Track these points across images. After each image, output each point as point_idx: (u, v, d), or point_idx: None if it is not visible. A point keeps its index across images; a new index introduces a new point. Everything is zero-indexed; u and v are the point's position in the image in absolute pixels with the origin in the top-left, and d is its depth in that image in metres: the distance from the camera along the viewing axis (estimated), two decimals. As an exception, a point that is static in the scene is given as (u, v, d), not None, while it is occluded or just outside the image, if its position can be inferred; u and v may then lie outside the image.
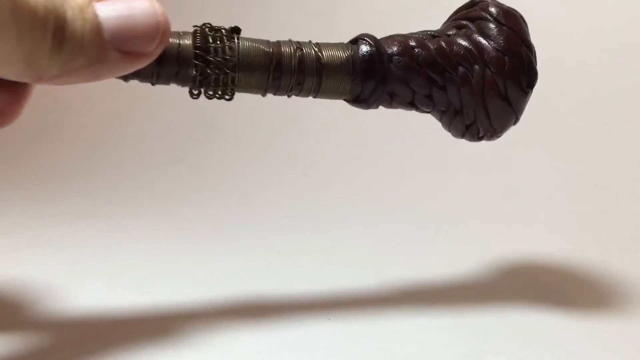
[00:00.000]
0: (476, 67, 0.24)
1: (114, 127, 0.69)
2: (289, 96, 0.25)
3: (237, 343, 0.23)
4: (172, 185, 0.56)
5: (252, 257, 0.35)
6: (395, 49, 0.24)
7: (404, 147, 0.56)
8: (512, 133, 0.55)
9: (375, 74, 0.24)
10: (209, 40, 0.23)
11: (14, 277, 0.33)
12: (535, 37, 0.59)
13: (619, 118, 0.51)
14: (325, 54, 0.24)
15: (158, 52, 0.21)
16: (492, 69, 0.24)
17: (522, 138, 0.53)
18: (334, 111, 0.63)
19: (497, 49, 0.24)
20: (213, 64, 0.23)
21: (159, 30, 0.21)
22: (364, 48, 0.24)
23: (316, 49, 0.24)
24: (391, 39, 0.25)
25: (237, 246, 0.35)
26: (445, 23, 0.27)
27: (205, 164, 0.60)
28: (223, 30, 0.23)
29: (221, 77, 0.23)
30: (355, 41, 0.25)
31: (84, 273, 0.33)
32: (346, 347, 0.23)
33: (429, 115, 0.27)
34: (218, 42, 0.23)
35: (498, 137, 0.27)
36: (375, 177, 0.53)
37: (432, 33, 0.25)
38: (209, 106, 0.74)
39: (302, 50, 0.24)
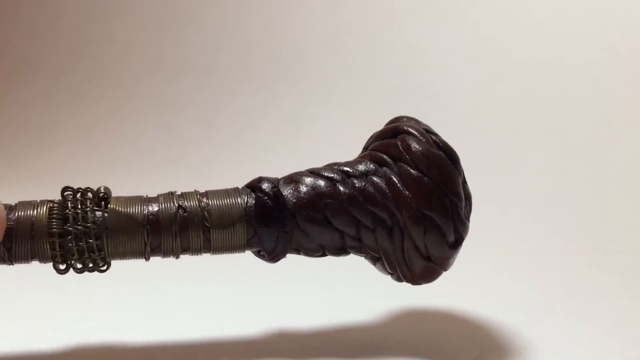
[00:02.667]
0: (396, 217, 0.21)
1: (114, 127, 0.69)
2: (177, 257, 0.21)
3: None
4: (172, 185, 0.56)
5: (252, 257, 0.35)
6: (298, 199, 0.21)
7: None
8: (512, 133, 0.55)
9: (274, 228, 0.21)
10: (67, 206, 0.20)
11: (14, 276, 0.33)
12: (536, 36, 0.59)
13: (621, 118, 0.51)
14: (213, 207, 0.21)
15: None
16: (409, 227, 0.20)
17: (522, 138, 0.53)
18: (334, 111, 0.63)
19: (416, 207, 0.20)
20: (72, 235, 0.20)
21: None
22: (263, 186, 0.21)
23: (199, 202, 0.21)
24: (295, 182, 0.22)
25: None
26: (364, 149, 0.23)
27: (205, 164, 0.60)
28: (89, 194, 0.21)
29: (85, 247, 0.20)
30: (252, 187, 0.22)
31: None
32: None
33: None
34: (79, 209, 0.20)
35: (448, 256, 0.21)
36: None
37: (346, 170, 0.22)
38: (209, 106, 0.74)
39: (184, 206, 0.21)
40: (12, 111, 0.76)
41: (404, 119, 0.23)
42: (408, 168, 0.21)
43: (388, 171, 0.21)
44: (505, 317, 0.25)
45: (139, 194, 0.22)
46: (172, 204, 0.21)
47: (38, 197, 0.21)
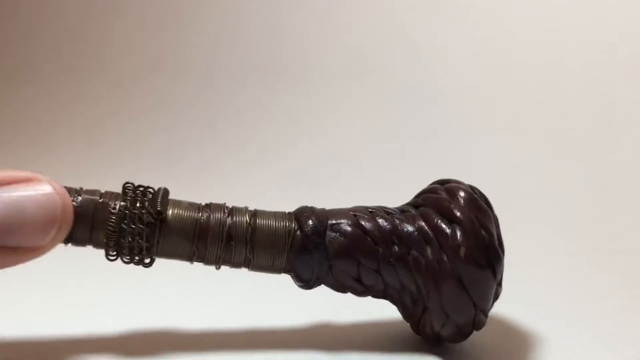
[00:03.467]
0: (429, 249, 0.21)
1: (114, 127, 0.69)
2: (217, 268, 0.22)
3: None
4: (172, 185, 0.56)
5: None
6: (337, 249, 0.22)
7: (403, 148, 0.56)
8: (512, 133, 0.55)
9: (314, 252, 0.22)
10: (127, 204, 0.21)
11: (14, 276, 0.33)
12: (537, 36, 0.59)
13: (621, 118, 0.51)
14: (260, 229, 0.22)
15: (54, 245, 0.19)
16: (447, 252, 0.21)
17: (522, 138, 0.53)
18: (334, 112, 0.63)
19: (455, 236, 0.21)
20: (127, 233, 0.21)
21: (54, 222, 0.19)
22: (309, 223, 0.22)
23: (250, 218, 0.22)
24: (339, 214, 0.22)
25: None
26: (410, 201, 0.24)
27: (205, 164, 0.60)
28: (149, 194, 0.22)
29: (136, 246, 0.21)
30: (298, 219, 0.22)
31: (83, 272, 0.33)
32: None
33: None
34: (136, 209, 0.21)
35: (459, 337, 0.22)
36: (374, 178, 0.52)
37: (389, 210, 0.23)
38: (209, 106, 0.74)
39: (234, 221, 0.22)
40: (12, 111, 0.76)
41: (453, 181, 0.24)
42: (450, 205, 0.21)
43: (429, 211, 0.22)
44: (504, 317, 0.25)
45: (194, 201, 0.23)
46: (223, 217, 0.22)
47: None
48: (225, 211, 0.22)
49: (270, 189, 0.53)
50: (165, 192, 0.22)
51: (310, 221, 0.22)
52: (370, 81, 0.64)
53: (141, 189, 0.22)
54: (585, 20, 0.55)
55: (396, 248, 0.21)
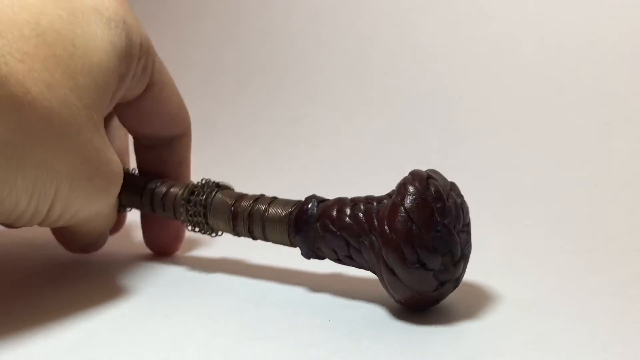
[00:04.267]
0: (373, 238, 0.24)
1: (114, 127, 0.69)
2: (253, 238, 0.30)
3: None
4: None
5: (252, 257, 0.35)
6: (321, 211, 0.27)
7: (403, 148, 0.56)
8: (512, 132, 0.55)
9: (303, 232, 0.27)
10: (193, 193, 0.31)
11: (14, 275, 0.33)
12: (536, 35, 0.59)
13: (620, 118, 0.51)
14: (271, 210, 0.29)
15: None
16: (381, 241, 0.24)
17: (522, 138, 0.54)
18: (334, 112, 0.63)
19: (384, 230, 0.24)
20: (192, 211, 0.31)
21: None
22: (301, 208, 0.27)
23: (266, 205, 0.29)
24: (333, 202, 0.27)
25: (237, 246, 0.35)
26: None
27: (206, 164, 0.60)
28: (211, 183, 0.31)
29: (199, 220, 0.31)
30: (302, 202, 0.28)
31: (83, 271, 0.33)
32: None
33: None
34: (199, 195, 0.31)
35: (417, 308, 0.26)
36: (374, 178, 0.53)
37: (372, 198, 0.26)
38: (208, 106, 0.74)
39: (255, 205, 0.29)
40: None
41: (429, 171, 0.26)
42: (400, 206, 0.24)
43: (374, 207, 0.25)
44: (504, 317, 0.25)
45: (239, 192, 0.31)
46: (247, 202, 0.29)
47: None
48: (250, 198, 0.30)
49: (271, 189, 0.53)
50: (225, 185, 0.32)
51: (310, 203, 0.27)
52: (370, 82, 0.64)
53: (208, 181, 0.32)
54: (587, 18, 0.56)
55: (366, 230, 0.25)
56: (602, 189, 0.46)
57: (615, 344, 0.22)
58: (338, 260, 0.27)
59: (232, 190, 0.32)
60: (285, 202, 0.29)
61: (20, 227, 0.29)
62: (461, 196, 0.26)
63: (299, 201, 0.28)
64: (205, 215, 0.30)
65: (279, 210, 0.28)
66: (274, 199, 0.29)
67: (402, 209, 0.23)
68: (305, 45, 0.69)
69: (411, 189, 0.24)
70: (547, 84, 0.55)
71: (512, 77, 0.57)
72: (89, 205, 0.27)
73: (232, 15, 0.75)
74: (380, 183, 0.52)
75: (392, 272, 0.24)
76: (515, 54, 0.58)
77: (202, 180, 0.32)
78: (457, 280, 0.25)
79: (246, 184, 0.57)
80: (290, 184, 0.54)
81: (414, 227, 0.23)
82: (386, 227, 0.23)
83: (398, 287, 0.24)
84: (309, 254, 0.28)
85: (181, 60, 0.74)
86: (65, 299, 0.28)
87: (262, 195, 0.30)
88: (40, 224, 0.26)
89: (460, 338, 0.23)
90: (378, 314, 0.26)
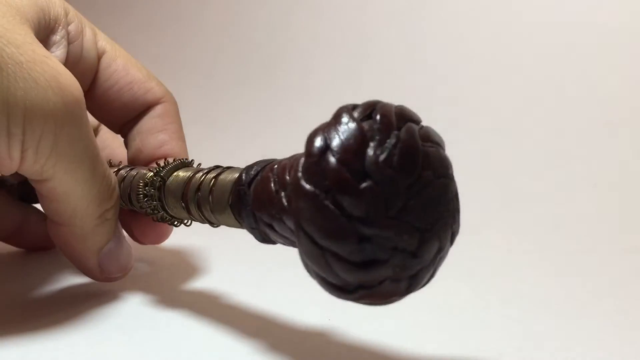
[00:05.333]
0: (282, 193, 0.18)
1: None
2: (214, 226, 0.24)
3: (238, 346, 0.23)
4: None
5: (253, 258, 0.35)
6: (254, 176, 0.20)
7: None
8: (511, 132, 0.55)
9: (243, 205, 0.20)
10: (153, 174, 0.26)
11: (14, 276, 0.33)
12: (535, 34, 0.59)
13: (620, 118, 0.51)
14: (219, 180, 0.22)
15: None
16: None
17: (522, 137, 0.54)
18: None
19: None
20: (147, 197, 0.26)
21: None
22: (244, 175, 0.20)
23: (216, 174, 0.22)
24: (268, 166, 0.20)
25: (237, 246, 0.35)
26: None
27: (205, 164, 0.60)
28: (166, 166, 0.26)
29: (154, 205, 0.26)
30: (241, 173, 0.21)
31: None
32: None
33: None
34: (155, 178, 0.26)
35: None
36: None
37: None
38: (208, 106, 0.74)
39: (207, 175, 0.23)
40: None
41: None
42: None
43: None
44: (504, 316, 0.25)
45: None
46: (202, 176, 0.23)
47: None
48: (209, 171, 0.23)
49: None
50: (182, 162, 0.26)
51: (244, 174, 0.20)
52: (371, 81, 0.64)
53: (166, 162, 0.26)
54: (586, 17, 0.55)
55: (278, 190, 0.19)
56: (601, 189, 0.46)
57: (616, 344, 0.22)
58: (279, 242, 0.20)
59: (180, 165, 0.26)
60: (236, 170, 0.22)
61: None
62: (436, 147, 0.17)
63: (244, 168, 0.21)
64: (160, 200, 0.25)
65: (229, 177, 0.21)
66: (229, 168, 0.23)
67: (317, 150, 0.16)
68: (305, 45, 0.69)
69: (344, 119, 0.16)
70: (547, 83, 0.55)
71: (511, 77, 0.57)
72: (58, 133, 0.23)
73: (232, 15, 0.75)
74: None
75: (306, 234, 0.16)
76: (515, 54, 0.58)
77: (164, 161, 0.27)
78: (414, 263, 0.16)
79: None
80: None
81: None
82: (291, 175, 0.17)
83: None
84: (255, 234, 0.21)
85: (181, 60, 0.74)
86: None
87: (218, 166, 0.24)
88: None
89: (460, 339, 0.23)
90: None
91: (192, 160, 0.28)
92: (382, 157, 0.16)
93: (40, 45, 0.24)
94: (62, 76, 0.23)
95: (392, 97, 0.65)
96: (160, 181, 0.25)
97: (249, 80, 0.70)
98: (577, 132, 0.52)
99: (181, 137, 0.31)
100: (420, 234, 0.16)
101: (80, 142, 0.24)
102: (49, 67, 0.23)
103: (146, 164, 0.30)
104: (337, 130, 0.16)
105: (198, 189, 0.23)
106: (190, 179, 0.24)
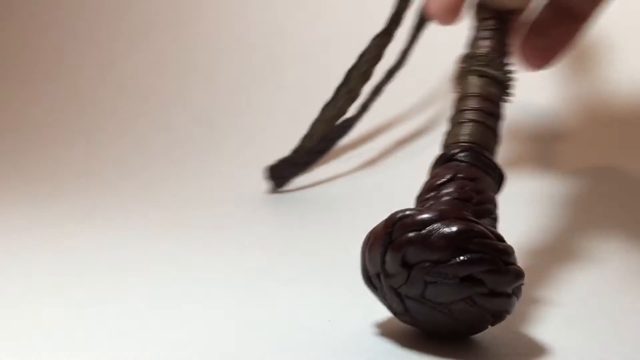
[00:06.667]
0: None
1: (114, 127, 0.69)
2: None
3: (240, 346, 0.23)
4: (172, 185, 0.56)
5: (253, 258, 0.35)
6: None
7: (404, 148, 0.56)
8: (510, 132, 0.55)
9: None
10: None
11: (14, 275, 0.33)
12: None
13: (620, 117, 0.51)
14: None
15: None
16: None
17: (521, 137, 0.53)
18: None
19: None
20: None
21: None
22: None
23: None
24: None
25: (237, 246, 0.35)
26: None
27: (206, 164, 0.60)
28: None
29: None
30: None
31: (83, 272, 0.33)
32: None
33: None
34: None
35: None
36: (373, 176, 0.52)
37: None
38: (209, 106, 0.74)
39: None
40: (12, 111, 0.76)
41: None
42: None
43: None
44: (508, 319, 0.25)
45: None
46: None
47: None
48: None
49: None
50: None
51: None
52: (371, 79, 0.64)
53: None
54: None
55: None
56: (602, 188, 0.46)
57: (616, 343, 0.22)
58: None
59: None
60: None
61: None
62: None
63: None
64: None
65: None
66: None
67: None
68: (306, 45, 0.69)
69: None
70: (547, 82, 0.55)
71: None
72: None
73: (232, 15, 0.75)
74: (380, 182, 0.52)
75: None
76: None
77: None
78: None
79: (246, 184, 0.57)
80: (289, 183, 0.53)
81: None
82: None
83: None
84: None
85: (181, 60, 0.74)
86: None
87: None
88: None
89: (460, 340, 0.23)
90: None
91: None
92: None
93: None
94: None
95: (392, 96, 0.65)
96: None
97: (249, 81, 0.70)
98: (576, 129, 0.51)
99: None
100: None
101: None
102: None
103: None
104: None
105: None
106: None
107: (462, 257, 0.19)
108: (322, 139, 0.47)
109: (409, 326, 0.23)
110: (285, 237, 0.40)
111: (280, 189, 0.50)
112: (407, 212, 0.20)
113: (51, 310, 0.27)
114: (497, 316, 0.21)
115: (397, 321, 0.23)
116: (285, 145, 0.61)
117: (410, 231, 0.20)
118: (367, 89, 0.51)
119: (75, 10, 0.82)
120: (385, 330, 0.24)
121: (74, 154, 0.66)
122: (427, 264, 0.20)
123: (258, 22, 0.73)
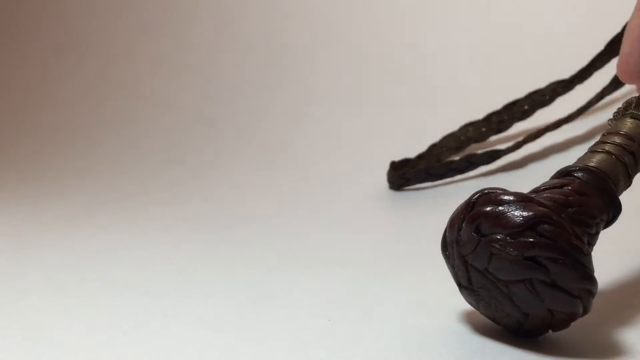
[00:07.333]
0: None
1: (114, 127, 0.69)
2: None
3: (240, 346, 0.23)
4: (172, 185, 0.56)
5: (253, 258, 0.35)
6: None
7: (405, 147, 0.56)
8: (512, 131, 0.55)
9: None
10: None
11: (14, 276, 0.33)
12: (535, 33, 0.58)
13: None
14: None
15: None
16: None
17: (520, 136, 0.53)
18: (336, 111, 0.63)
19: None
20: None
21: None
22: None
23: None
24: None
25: (237, 246, 0.35)
26: None
27: (205, 164, 0.60)
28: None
29: None
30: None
31: (83, 273, 0.33)
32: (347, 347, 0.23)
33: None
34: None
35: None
36: (373, 176, 0.52)
37: None
38: (209, 106, 0.74)
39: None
40: (12, 111, 0.76)
41: None
42: None
43: None
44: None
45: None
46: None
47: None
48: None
49: (271, 189, 0.53)
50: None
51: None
52: (371, 80, 0.64)
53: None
54: (586, 16, 0.55)
55: None
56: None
57: (615, 343, 0.22)
58: None
59: None
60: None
61: None
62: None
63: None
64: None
65: None
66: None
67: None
68: (305, 44, 0.69)
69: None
70: (545, 81, 0.55)
71: (510, 76, 0.57)
72: None
73: (232, 15, 0.75)
74: (380, 183, 0.52)
75: None
76: (516, 52, 0.58)
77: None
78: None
79: (246, 184, 0.57)
80: (290, 184, 0.53)
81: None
82: None
83: None
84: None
85: (181, 60, 0.74)
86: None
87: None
88: None
89: (460, 340, 0.23)
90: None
91: None
92: None
93: None
94: None
95: (392, 97, 0.64)
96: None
97: (249, 81, 0.70)
98: (577, 130, 0.51)
99: None
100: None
101: None
102: None
103: None
104: None
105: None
106: None
107: (530, 238, 0.20)
108: (467, 159, 0.46)
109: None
110: (286, 236, 0.40)
111: (400, 189, 0.49)
112: (493, 190, 0.22)
113: (51, 310, 0.27)
114: (558, 317, 0.21)
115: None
116: (286, 144, 0.61)
117: (490, 205, 0.21)
118: (518, 127, 0.50)
119: (75, 10, 0.82)
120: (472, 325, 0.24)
121: (73, 153, 0.66)
122: (498, 236, 0.20)
123: (259, 22, 0.73)
